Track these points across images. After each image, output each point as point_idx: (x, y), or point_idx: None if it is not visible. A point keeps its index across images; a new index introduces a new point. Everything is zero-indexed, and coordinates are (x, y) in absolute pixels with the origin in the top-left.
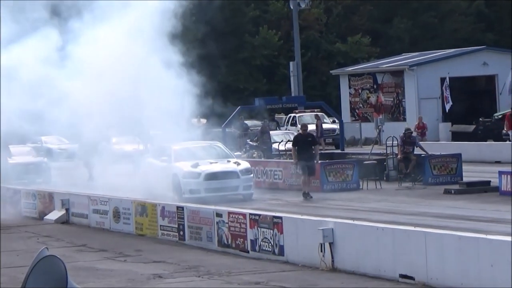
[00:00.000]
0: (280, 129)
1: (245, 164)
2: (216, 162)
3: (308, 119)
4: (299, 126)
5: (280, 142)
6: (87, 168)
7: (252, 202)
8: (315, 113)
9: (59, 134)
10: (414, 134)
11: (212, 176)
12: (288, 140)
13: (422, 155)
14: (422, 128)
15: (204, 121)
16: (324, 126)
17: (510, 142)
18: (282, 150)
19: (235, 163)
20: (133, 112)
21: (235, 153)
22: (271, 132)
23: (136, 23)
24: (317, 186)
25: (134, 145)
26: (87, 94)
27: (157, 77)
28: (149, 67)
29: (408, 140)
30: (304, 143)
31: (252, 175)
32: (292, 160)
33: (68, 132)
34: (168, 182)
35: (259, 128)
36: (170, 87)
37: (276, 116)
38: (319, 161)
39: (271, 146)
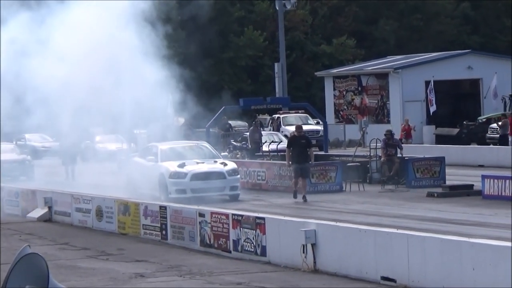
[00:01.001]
0: (263, 130)
1: (232, 165)
2: (202, 162)
3: (292, 120)
4: (284, 127)
5: (264, 143)
6: (65, 166)
7: (235, 203)
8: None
9: (42, 131)
10: (397, 136)
11: (199, 176)
12: (272, 141)
13: (406, 158)
14: (407, 131)
15: (182, 120)
16: (308, 127)
17: (510, 147)
18: (266, 151)
19: (221, 163)
20: (114, 108)
21: (222, 154)
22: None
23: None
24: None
25: (118, 144)
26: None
27: (138, 71)
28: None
29: (390, 143)
30: (298, 145)
31: (238, 176)
32: (285, 162)
33: (49, 129)
34: (155, 182)
35: (251, 127)
36: (152, 82)
37: (260, 116)
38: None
39: (261, 147)
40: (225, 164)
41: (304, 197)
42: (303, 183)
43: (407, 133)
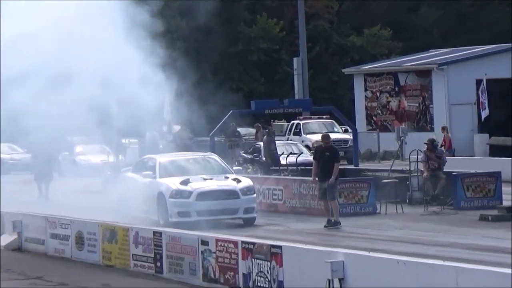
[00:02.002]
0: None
1: (246, 181)
2: (211, 179)
3: (315, 127)
4: (305, 135)
5: (280, 155)
6: (38, 183)
7: (248, 228)
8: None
9: (11, 141)
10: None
11: (206, 196)
12: (291, 153)
13: (454, 173)
14: (446, 141)
15: (177, 127)
16: (334, 136)
17: None
18: (283, 165)
19: (234, 179)
20: (98, 112)
21: (234, 168)
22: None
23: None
24: (321, 209)
25: (103, 157)
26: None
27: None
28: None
29: (431, 155)
30: (322, 158)
31: (255, 195)
32: (307, 178)
33: (20, 138)
34: (152, 203)
35: (264, 136)
36: (144, 81)
37: (276, 123)
38: (333, 180)
39: (279, 159)
40: (239, 181)
41: (334, 222)
42: (332, 205)
43: (447, 144)
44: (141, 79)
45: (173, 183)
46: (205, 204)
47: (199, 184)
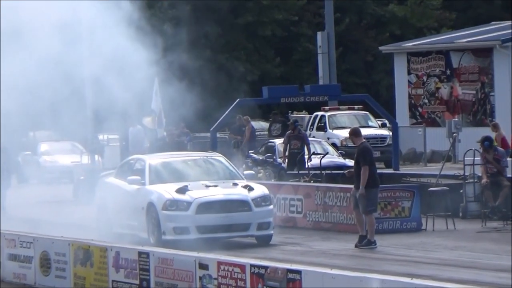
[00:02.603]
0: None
1: (260, 189)
2: (215, 186)
3: (345, 121)
4: (331, 131)
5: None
6: None
7: (261, 248)
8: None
9: None
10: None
11: (209, 207)
12: (313, 153)
13: None
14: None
15: (148, 119)
16: (369, 131)
17: None
18: (304, 169)
19: (245, 187)
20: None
21: (245, 172)
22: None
23: None
24: (352, 225)
25: (74, 157)
26: None
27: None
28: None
29: (489, 156)
30: (355, 161)
31: (271, 206)
32: (333, 185)
33: None
34: (140, 216)
35: (288, 130)
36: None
37: (295, 115)
38: (363, 190)
39: (304, 158)
40: (251, 189)
41: (368, 241)
42: (366, 220)
43: (499, 144)
44: (122, 58)
45: (167, 191)
46: (207, 218)
47: (200, 192)
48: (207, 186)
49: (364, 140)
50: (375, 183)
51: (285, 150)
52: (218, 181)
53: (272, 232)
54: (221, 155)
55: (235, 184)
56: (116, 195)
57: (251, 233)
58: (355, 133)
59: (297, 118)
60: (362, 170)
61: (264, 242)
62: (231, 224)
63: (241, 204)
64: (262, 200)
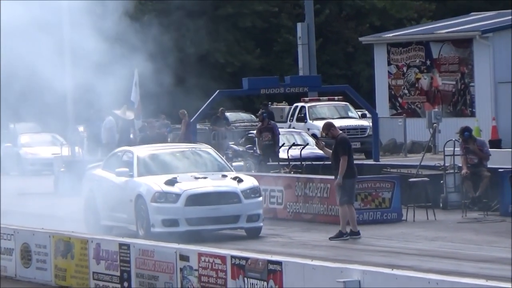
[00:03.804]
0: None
1: (250, 181)
2: (204, 177)
3: (325, 112)
4: (311, 122)
5: (280, 147)
6: None
7: (244, 241)
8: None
9: None
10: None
11: (198, 199)
12: (293, 144)
13: (500, 170)
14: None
15: (130, 114)
16: (348, 122)
17: None
18: (284, 159)
19: (234, 178)
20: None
21: (234, 164)
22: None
23: None
24: (333, 216)
25: (55, 149)
26: None
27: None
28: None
29: (470, 147)
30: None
31: (261, 198)
32: (312, 176)
33: None
34: (128, 209)
35: (257, 122)
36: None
37: (275, 106)
38: (340, 180)
39: (277, 150)
40: (240, 180)
41: (339, 233)
42: (339, 210)
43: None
44: (108, 54)
45: (156, 183)
46: (197, 210)
47: (189, 184)
48: (196, 178)
49: (340, 131)
50: (352, 174)
51: (258, 143)
52: (207, 173)
53: (261, 224)
54: (210, 147)
55: (224, 176)
56: (104, 188)
57: (240, 225)
58: (329, 126)
59: (277, 110)
60: (341, 160)
61: (254, 234)
62: (221, 216)
63: (230, 196)
64: (252, 192)
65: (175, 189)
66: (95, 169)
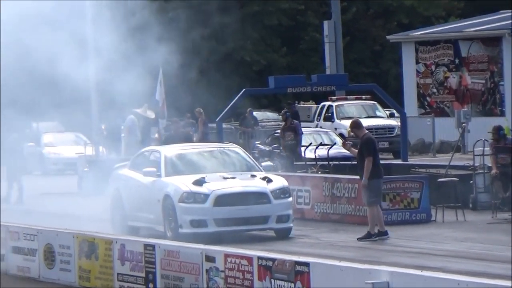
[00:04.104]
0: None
1: (279, 181)
2: (233, 177)
3: (352, 111)
4: (338, 121)
5: (307, 147)
6: (9, 182)
7: (272, 242)
8: None
9: None
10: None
11: (228, 200)
12: (320, 144)
13: None
14: None
15: (151, 113)
16: (376, 122)
17: None
18: (311, 159)
19: (263, 179)
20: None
21: (263, 164)
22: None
23: None
24: (361, 216)
25: (78, 148)
26: None
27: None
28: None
29: (500, 146)
30: (358, 152)
31: (290, 198)
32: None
33: None
34: (156, 209)
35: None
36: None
37: (301, 105)
38: (366, 182)
39: (299, 149)
40: (269, 180)
41: (367, 234)
42: (368, 211)
43: None
44: (126, 47)
45: (184, 183)
46: (226, 211)
47: (217, 184)
48: (225, 178)
49: (366, 131)
50: (378, 174)
51: (282, 143)
52: (236, 173)
53: (291, 225)
54: (238, 146)
55: (253, 176)
56: (130, 188)
57: (270, 226)
58: (356, 125)
59: (304, 109)
60: (366, 161)
61: (283, 235)
62: (250, 217)
63: (259, 196)
64: (281, 192)
65: (203, 189)
66: (122, 169)
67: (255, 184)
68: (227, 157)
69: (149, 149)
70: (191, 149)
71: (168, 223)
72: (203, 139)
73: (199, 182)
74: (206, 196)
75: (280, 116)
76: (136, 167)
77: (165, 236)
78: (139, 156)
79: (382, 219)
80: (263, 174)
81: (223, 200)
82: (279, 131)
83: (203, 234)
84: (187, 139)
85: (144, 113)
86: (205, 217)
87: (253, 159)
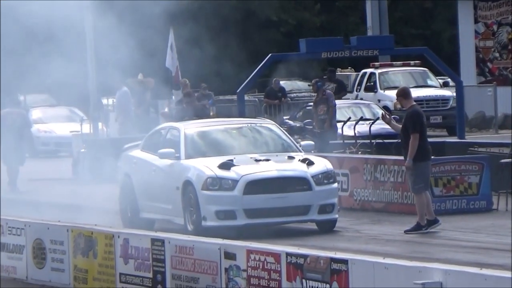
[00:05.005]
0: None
1: (322, 164)
2: (266, 160)
3: (399, 79)
4: (382, 92)
5: (345, 122)
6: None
7: (312, 235)
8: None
9: None
10: None
11: (260, 186)
12: (361, 118)
13: None
14: None
15: (151, 81)
16: (427, 92)
17: None
18: (349, 137)
19: (303, 161)
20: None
21: (303, 142)
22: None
23: None
24: (408, 205)
25: (73, 126)
26: None
27: None
28: None
29: None
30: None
31: (336, 184)
32: (385, 157)
33: None
34: (174, 197)
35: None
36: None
37: (338, 72)
38: (410, 163)
39: (333, 124)
40: (310, 163)
41: (417, 225)
42: (416, 199)
43: None
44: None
45: (208, 166)
46: (258, 200)
47: (248, 168)
48: (257, 160)
49: (414, 103)
50: (426, 156)
51: (315, 118)
52: (270, 154)
53: (337, 216)
54: (273, 122)
55: (290, 158)
56: (143, 172)
57: (311, 218)
58: (404, 93)
59: (342, 77)
60: (411, 138)
61: (327, 228)
62: (287, 206)
63: (299, 182)
64: (325, 177)
65: (231, 173)
66: (133, 150)
67: (293, 167)
68: (259, 135)
69: (166, 126)
70: (216, 125)
71: (189, 214)
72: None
73: (226, 166)
74: (235, 182)
75: (311, 87)
76: (150, 147)
77: (186, 230)
78: (153, 135)
79: (430, 205)
80: (302, 155)
81: (255, 187)
82: (311, 103)
83: (231, 228)
84: (203, 114)
85: (140, 82)
86: (233, 207)
87: (291, 138)
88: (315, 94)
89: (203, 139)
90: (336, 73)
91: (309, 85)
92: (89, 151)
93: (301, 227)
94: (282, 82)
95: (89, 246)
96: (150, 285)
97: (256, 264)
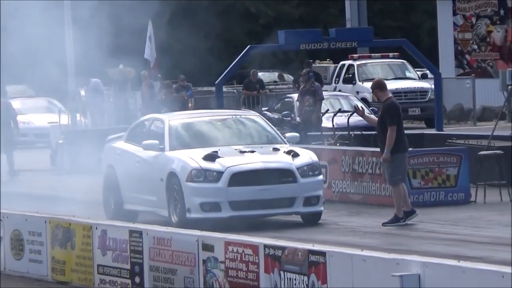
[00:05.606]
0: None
1: (307, 155)
2: (251, 151)
3: (377, 71)
4: (361, 83)
5: (323, 114)
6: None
7: (296, 227)
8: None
9: None
10: None
11: (245, 178)
12: (339, 110)
13: None
14: None
15: (131, 71)
16: (405, 84)
17: None
18: (328, 128)
19: (288, 152)
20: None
21: (288, 134)
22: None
23: None
24: (387, 196)
25: (51, 117)
26: None
27: None
28: None
29: None
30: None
31: (321, 176)
32: (363, 148)
33: None
34: (158, 189)
35: (292, 84)
36: None
37: (317, 64)
38: (387, 154)
39: (319, 117)
40: (295, 154)
41: (395, 218)
42: (392, 191)
43: None
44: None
45: (192, 158)
46: (243, 192)
47: (233, 159)
48: (242, 152)
49: (391, 95)
50: (403, 148)
51: (300, 109)
52: (255, 145)
53: (322, 208)
54: (257, 114)
55: (275, 149)
56: (127, 164)
57: (296, 210)
58: (379, 86)
59: (320, 68)
60: (389, 131)
61: (312, 220)
62: (272, 198)
63: (284, 174)
64: (310, 169)
65: (216, 165)
66: (116, 141)
67: (278, 159)
68: (243, 126)
69: (149, 118)
70: (201, 117)
71: (174, 206)
72: (150, 108)
73: (211, 157)
74: (220, 173)
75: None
76: (134, 139)
77: (170, 222)
78: (137, 126)
79: (407, 196)
80: (287, 147)
81: (240, 178)
82: (290, 95)
83: (215, 220)
84: (181, 106)
85: (120, 72)
86: (218, 199)
87: (275, 129)
88: (303, 84)
89: (188, 130)
90: (314, 65)
91: (298, 75)
92: (67, 142)
93: (286, 220)
94: (260, 74)
95: (67, 238)
96: (128, 276)
97: (234, 256)
